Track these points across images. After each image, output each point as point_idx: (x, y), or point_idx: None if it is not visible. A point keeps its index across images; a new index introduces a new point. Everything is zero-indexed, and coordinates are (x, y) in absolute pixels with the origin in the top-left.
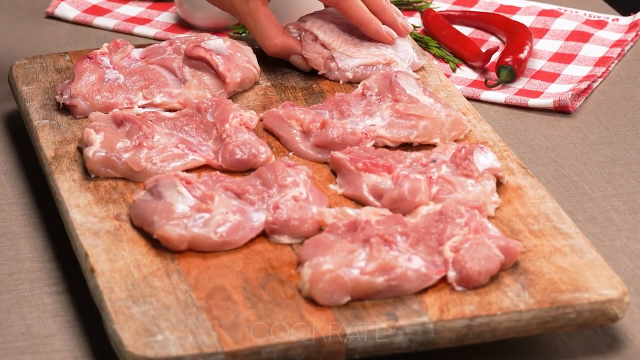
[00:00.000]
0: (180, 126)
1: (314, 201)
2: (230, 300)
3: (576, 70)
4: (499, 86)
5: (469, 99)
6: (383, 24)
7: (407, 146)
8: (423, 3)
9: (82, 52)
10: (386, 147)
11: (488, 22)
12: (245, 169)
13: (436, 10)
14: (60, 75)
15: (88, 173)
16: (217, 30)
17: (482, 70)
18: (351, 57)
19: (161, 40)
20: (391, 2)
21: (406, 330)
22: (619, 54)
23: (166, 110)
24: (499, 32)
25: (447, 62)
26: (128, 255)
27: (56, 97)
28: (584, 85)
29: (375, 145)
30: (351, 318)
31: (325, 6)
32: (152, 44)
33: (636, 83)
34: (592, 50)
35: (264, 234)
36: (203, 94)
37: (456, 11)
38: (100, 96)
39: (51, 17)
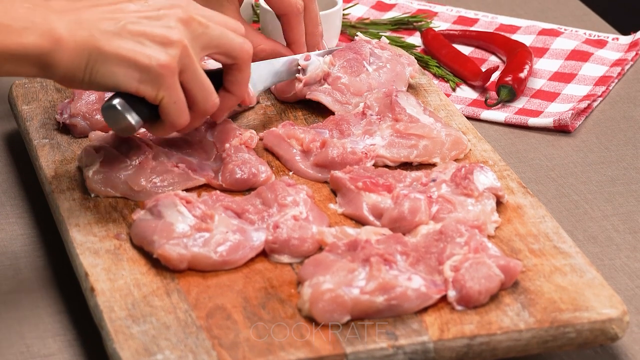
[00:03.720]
0: (180, 145)
1: (314, 220)
2: (230, 319)
3: (576, 90)
4: (499, 105)
5: (469, 118)
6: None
7: (407, 165)
8: (423, 22)
9: None
10: (386, 166)
11: (488, 41)
12: (245, 188)
13: (436, 29)
14: (60, 95)
15: (88, 192)
16: None
17: (482, 90)
18: None
19: None
20: (394, 21)
21: (406, 349)
22: (619, 73)
23: None
24: (499, 52)
25: (447, 81)
26: (128, 274)
27: (56, 116)
28: (584, 105)
29: (375, 165)
30: (351, 337)
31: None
32: None
33: (636, 102)
34: (592, 70)
35: (264, 253)
36: None
37: (456, 30)
38: (100, 115)
39: None
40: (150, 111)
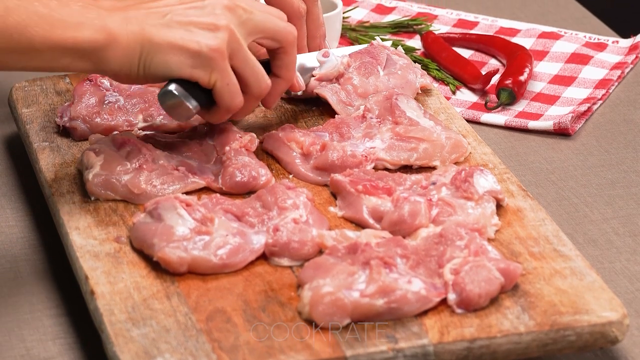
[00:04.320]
0: (180, 148)
1: (313, 223)
2: (230, 322)
3: (576, 93)
4: (499, 108)
5: (469, 121)
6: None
7: (407, 168)
8: (423, 25)
9: (82, 74)
10: (386, 169)
11: (488, 44)
12: (245, 191)
13: (436, 32)
14: (60, 98)
15: (88, 195)
16: None
17: (482, 93)
18: None
19: None
20: (394, 24)
21: (406, 352)
22: (619, 76)
23: (166, 133)
24: (499, 55)
25: (447, 84)
26: (128, 277)
27: (56, 119)
28: (584, 108)
29: (375, 168)
30: (351, 340)
31: None
32: None
33: (636, 105)
34: (592, 73)
35: (264, 257)
36: None
37: (456, 34)
38: (100, 119)
39: None
40: (206, 97)
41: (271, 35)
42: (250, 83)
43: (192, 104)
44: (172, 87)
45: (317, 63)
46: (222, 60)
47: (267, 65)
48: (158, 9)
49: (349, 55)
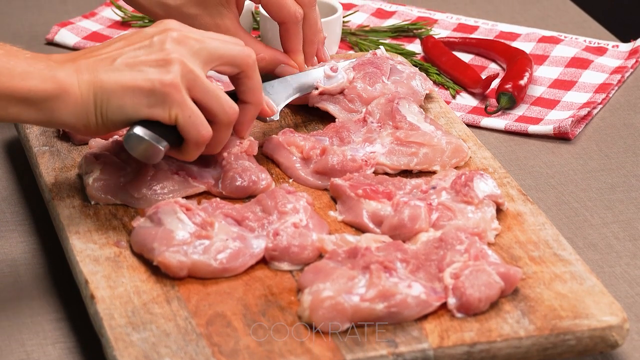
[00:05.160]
0: None
1: (314, 228)
2: (231, 326)
3: (576, 97)
4: (499, 113)
5: (469, 125)
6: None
7: (407, 173)
8: (423, 30)
9: None
10: (386, 174)
11: (488, 48)
12: (245, 195)
13: (436, 37)
14: None
15: (88, 200)
16: None
17: (482, 97)
18: None
19: None
20: (394, 29)
21: (406, 357)
22: (619, 81)
23: None
24: (499, 59)
25: (447, 88)
26: (128, 282)
27: None
28: (584, 112)
29: (375, 172)
30: (351, 345)
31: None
32: None
33: (636, 110)
34: (592, 77)
35: (264, 261)
36: None
37: (456, 38)
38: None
39: (51, 43)
40: (174, 135)
41: (228, 61)
42: (215, 111)
43: (161, 145)
44: (137, 129)
45: (319, 78)
46: (177, 93)
47: (234, 96)
48: (107, 54)
49: (352, 68)
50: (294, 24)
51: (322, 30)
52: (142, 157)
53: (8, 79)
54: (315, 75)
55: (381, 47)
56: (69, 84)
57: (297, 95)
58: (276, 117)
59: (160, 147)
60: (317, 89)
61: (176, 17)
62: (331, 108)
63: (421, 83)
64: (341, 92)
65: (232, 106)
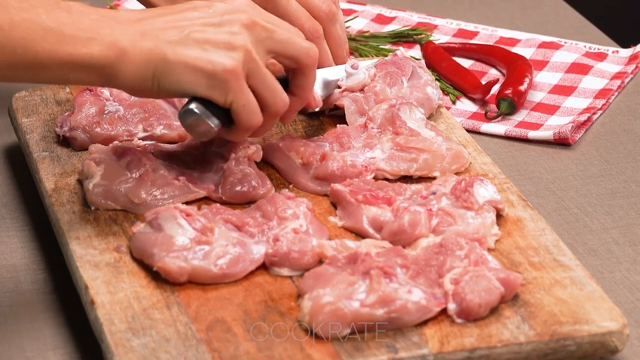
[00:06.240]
0: (181, 158)
1: (313, 233)
2: (230, 332)
3: (576, 103)
4: (499, 118)
5: (469, 131)
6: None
7: (407, 178)
8: (423, 35)
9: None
10: (386, 179)
11: (488, 54)
12: (245, 201)
13: (436, 42)
14: (60, 108)
15: (88, 205)
16: None
17: (482, 103)
18: None
19: None
20: (394, 34)
21: None
22: (619, 86)
23: (166, 143)
24: (499, 65)
25: (447, 94)
26: (128, 287)
27: (56, 129)
28: (584, 118)
29: (376, 178)
30: (351, 350)
31: None
32: None
33: (636, 115)
34: (592, 83)
35: (264, 266)
36: None
37: (456, 43)
38: (100, 128)
39: None
40: (226, 115)
41: (291, 55)
42: (268, 102)
43: (213, 123)
44: (193, 105)
45: (343, 74)
46: (237, 81)
47: (285, 81)
48: (176, 23)
49: (374, 66)
50: (312, 40)
51: (347, 41)
52: (194, 132)
53: (71, 46)
54: (338, 74)
55: (401, 47)
56: (131, 50)
57: (323, 94)
58: (319, 107)
59: (213, 126)
60: (339, 87)
61: None
62: (347, 104)
63: (436, 91)
64: (362, 90)
65: (284, 99)
